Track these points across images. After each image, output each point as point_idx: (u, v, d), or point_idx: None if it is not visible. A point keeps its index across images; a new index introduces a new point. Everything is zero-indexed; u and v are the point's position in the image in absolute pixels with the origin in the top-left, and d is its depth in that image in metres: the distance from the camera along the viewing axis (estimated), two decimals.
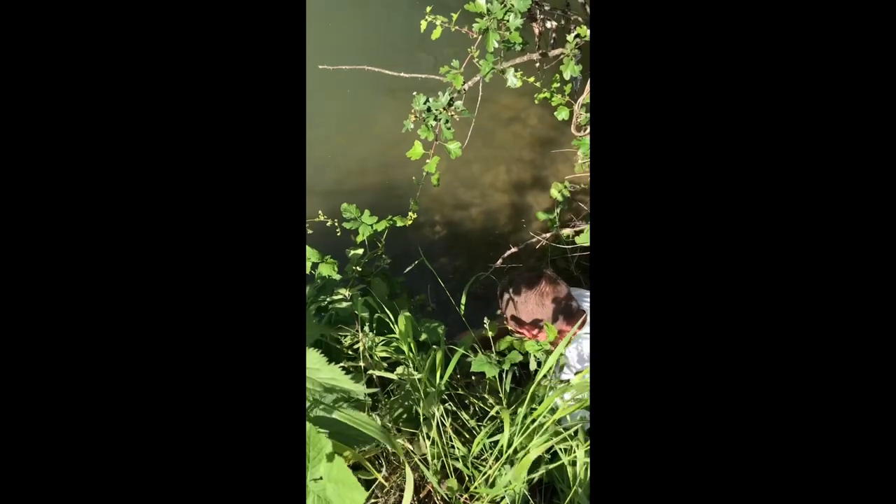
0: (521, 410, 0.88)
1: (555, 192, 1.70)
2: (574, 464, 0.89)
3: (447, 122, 1.10)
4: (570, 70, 1.07)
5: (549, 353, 0.98)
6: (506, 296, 1.22)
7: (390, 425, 0.89)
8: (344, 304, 1.09)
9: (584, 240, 1.45)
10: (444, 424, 0.92)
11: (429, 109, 1.10)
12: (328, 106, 2.04)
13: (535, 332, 1.19)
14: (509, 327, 1.26)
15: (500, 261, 1.58)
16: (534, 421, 0.87)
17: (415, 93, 1.10)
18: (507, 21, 1.10)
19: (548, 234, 1.59)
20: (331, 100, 2.04)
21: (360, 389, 0.65)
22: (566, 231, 1.59)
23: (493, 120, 2.01)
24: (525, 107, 1.99)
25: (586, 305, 1.22)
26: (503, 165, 1.95)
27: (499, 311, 1.29)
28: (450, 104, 1.10)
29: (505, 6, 1.04)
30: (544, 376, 0.91)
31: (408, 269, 1.41)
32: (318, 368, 0.73)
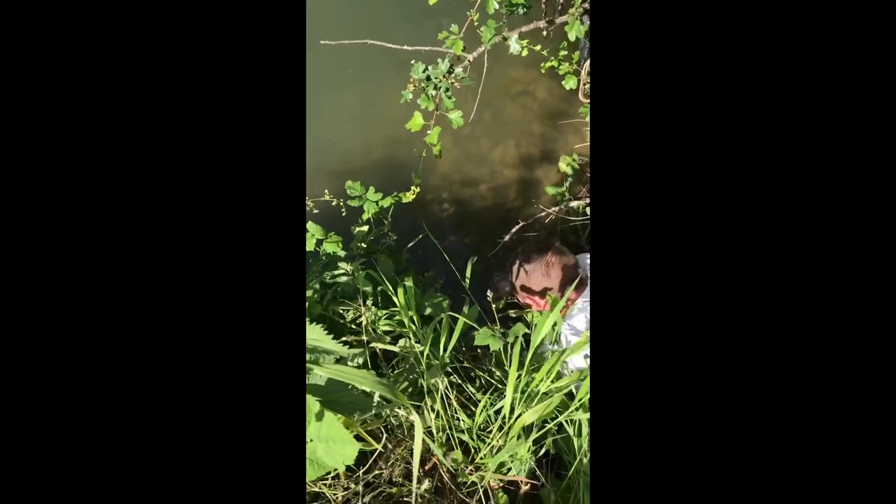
0: (522, 378, 0.86)
1: (563, 166, 1.66)
2: (580, 434, 0.88)
3: (447, 90, 1.07)
4: (576, 31, 1.02)
5: (555, 323, 0.96)
6: (515, 266, 1.21)
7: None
8: (346, 279, 1.08)
9: None
10: (448, 397, 0.91)
11: (428, 78, 1.07)
12: (331, 83, 2.02)
13: (543, 301, 1.17)
14: (518, 299, 1.25)
15: (507, 237, 1.55)
16: (536, 389, 0.86)
17: (413, 61, 1.08)
18: None
19: (556, 209, 1.56)
20: (333, 78, 2.02)
21: (341, 350, 0.63)
22: (576, 203, 1.55)
23: (502, 94, 1.96)
24: (534, 79, 1.94)
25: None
26: (512, 140, 1.91)
27: (508, 282, 1.27)
28: (450, 71, 1.07)
29: None
30: (541, 344, 0.89)
31: (411, 244, 1.39)
32: (319, 340, 0.73)
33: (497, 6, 1.00)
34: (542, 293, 1.16)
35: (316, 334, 0.73)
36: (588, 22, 1.11)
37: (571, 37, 1.04)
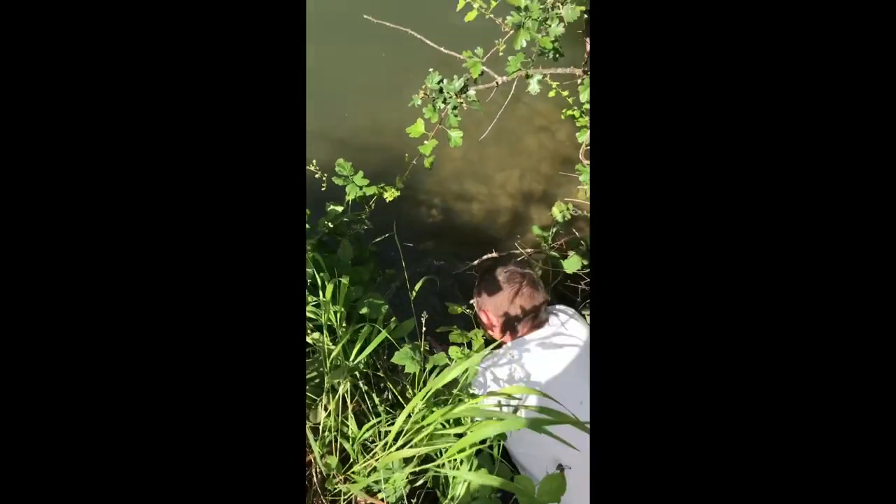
0: (419, 410, 0.86)
1: (556, 212, 1.65)
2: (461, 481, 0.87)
3: (455, 108, 1.06)
4: (588, 95, 1.02)
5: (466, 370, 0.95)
6: (490, 276, 1.19)
7: None
8: None
9: (568, 266, 1.42)
10: (346, 400, 0.91)
11: (440, 91, 1.06)
12: (364, 60, 2.01)
13: (495, 326, 1.15)
14: (477, 308, 1.23)
15: (476, 262, 1.55)
16: (427, 423, 0.85)
17: (431, 69, 1.07)
18: (549, 26, 1.06)
19: (534, 251, 1.55)
20: (367, 56, 2.01)
21: None
22: (553, 253, 1.55)
23: (524, 123, 1.96)
24: (558, 119, 1.93)
25: (552, 318, 1.19)
26: (518, 171, 1.90)
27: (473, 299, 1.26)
28: (463, 90, 1.06)
29: (546, 8, 0.99)
30: (454, 382, 0.89)
31: (379, 239, 1.38)
32: None
33: (525, 43, 0.99)
34: (498, 316, 1.14)
35: None
36: None
37: (582, 98, 1.03)
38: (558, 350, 1.09)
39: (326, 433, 0.90)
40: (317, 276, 0.99)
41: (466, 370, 0.89)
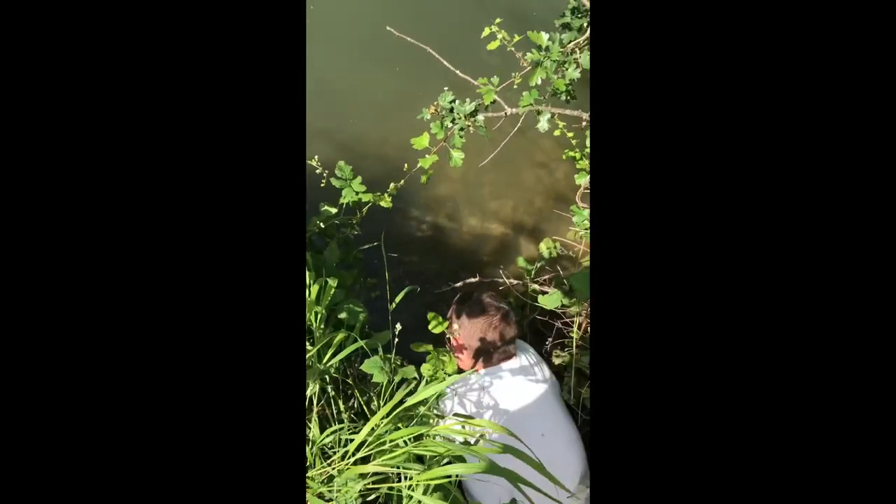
0: (382, 425, 0.85)
1: (543, 247, 1.67)
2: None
3: (462, 129, 1.08)
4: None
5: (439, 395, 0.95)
6: (467, 304, 1.20)
7: None
8: None
9: (545, 301, 1.43)
10: (311, 402, 0.90)
11: (451, 110, 1.08)
12: (380, 68, 2.03)
13: (460, 353, 1.16)
14: (446, 332, 1.24)
15: (459, 283, 1.56)
16: (389, 439, 0.84)
17: (446, 88, 1.09)
18: (566, 69, 1.09)
19: (516, 282, 1.57)
20: (384, 64, 2.03)
21: None
22: (534, 286, 1.56)
23: (524, 156, 1.99)
24: (558, 157, 1.97)
25: (520, 353, 1.19)
26: (512, 201, 1.93)
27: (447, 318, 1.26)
28: (473, 114, 1.08)
29: (565, 52, 1.02)
30: (421, 403, 0.88)
31: (368, 246, 1.38)
32: None
33: (540, 81, 1.02)
34: (469, 342, 1.15)
35: None
36: None
37: (587, 142, 1.06)
38: (525, 383, 1.10)
39: None
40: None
41: (439, 395, 0.89)
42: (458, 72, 1.40)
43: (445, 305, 1.71)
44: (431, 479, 0.81)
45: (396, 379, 0.99)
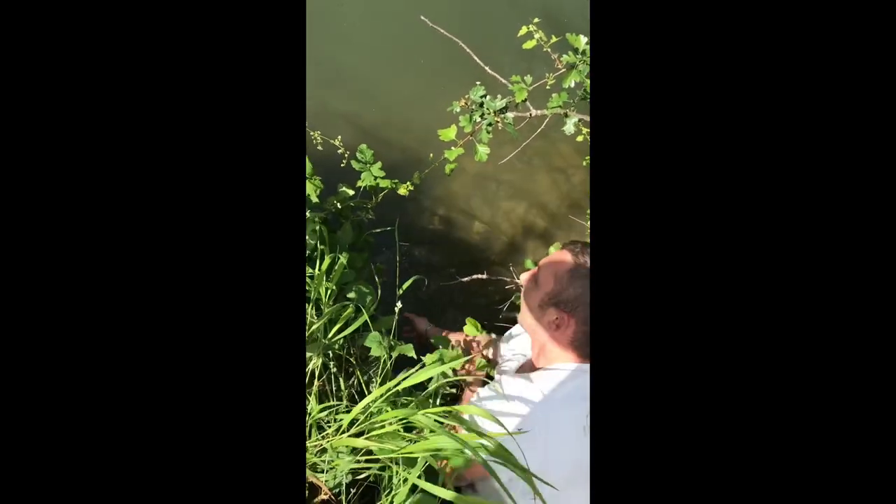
0: (376, 403, 0.86)
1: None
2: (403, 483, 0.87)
3: (490, 125, 1.09)
4: None
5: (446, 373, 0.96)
6: (559, 268, 1.03)
7: None
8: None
9: None
10: (312, 375, 0.91)
11: (481, 105, 1.08)
12: (408, 56, 2.04)
13: (561, 329, 1.01)
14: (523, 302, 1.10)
15: (467, 279, 1.57)
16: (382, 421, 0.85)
17: (478, 82, 1.09)
18: None
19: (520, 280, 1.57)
20: (414, 51, 2.04)
21: None
22: None
23: (544, 159, 2.00)
24: (577, 165, 1.97)
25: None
26: (525, 203, 1.94)
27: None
28: (502, 111, 1.09)
29: None
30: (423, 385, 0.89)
31: (379, 231, 1.39)
32: None
33: (573, 84, 1.02)
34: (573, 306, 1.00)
35: None
36: None
37: None
38: (550, 399, 0.97)
39: None
40: (318, 248, 0.99)
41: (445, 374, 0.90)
42: (487, 68, 1.41)
43: (448, 298, 1.72)
44: (412, 453, 0.81)
45: (394, 354, 1.00)
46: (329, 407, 0.89)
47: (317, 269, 0.95)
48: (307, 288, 0.97)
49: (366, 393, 1.02)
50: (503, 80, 1.39)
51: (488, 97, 1.09)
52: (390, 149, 1.86)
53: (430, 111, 1.95)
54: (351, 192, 1.36)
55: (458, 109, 1.12)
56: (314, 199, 1.24)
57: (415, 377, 0.85)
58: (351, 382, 1.03)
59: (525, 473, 0.69)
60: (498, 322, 1.57)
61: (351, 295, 1.10)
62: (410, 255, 1.80)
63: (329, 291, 0.96)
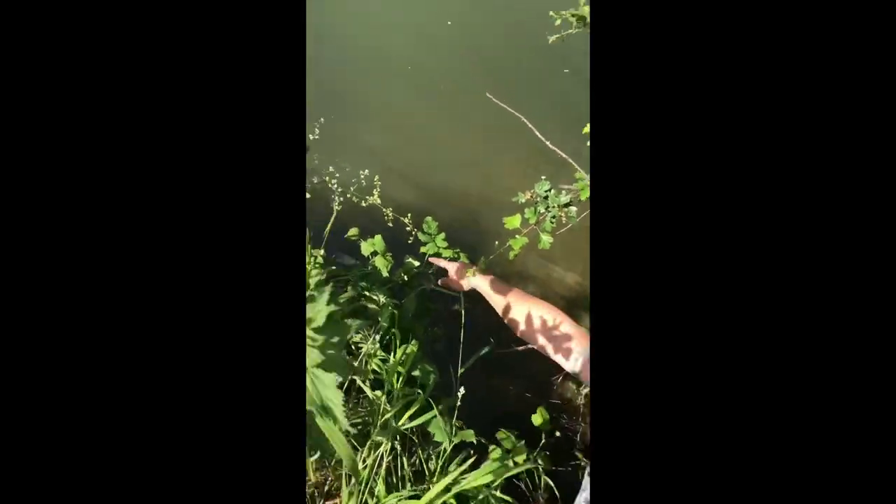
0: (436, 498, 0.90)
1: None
2: None
3: (554, 217, 1.15)
4: None
5: None
6: None
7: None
8: (372, 306, 1.16)
9: None
10: (382, 457, 0.96)
11: (546, 198, 1.15)
12: (469, 121, 2.14)
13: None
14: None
15: (521, 347, 1.61)
16: None
17: (543, 177, 1.16)
18: None
19: None
20: (472, 120, 2.14)
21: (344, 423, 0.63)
22: None
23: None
24: None
25: None
26: (578, 274, 1.97)
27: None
28: (567, 205, 1.15)
29: None
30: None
31: (426, 287, 1.44)
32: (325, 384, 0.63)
33: None
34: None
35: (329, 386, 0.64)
36: None
37: None
38: None
39: (356, 485, 0.95)
40: (391, 332, 1.06)
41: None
42: (548, 143, 1.48)
43: (503, 366, 1.75)
44: None
45: (456, 440, 1.04)
46: (399, 498, 0.93)
47: (391, 357, 1.02)
48: (379, 371, 1.04)
49: (425, 471, 1.07)
50: (562, 154, 1.45)
51: (552, 192, 1.15)
52: (442, 209, 1.94)
53: (484, 175, 2.04)
54: (416, 264, 1.44)
55: (524, 201, 1.18)
56: (385, 273, 1.32)
57: (471, 481, 0.89)
58: (412, 461, 1.08)
59: None
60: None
61: (415, 374, 1.16)
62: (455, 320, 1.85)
63: (401, 377, 1.03)
